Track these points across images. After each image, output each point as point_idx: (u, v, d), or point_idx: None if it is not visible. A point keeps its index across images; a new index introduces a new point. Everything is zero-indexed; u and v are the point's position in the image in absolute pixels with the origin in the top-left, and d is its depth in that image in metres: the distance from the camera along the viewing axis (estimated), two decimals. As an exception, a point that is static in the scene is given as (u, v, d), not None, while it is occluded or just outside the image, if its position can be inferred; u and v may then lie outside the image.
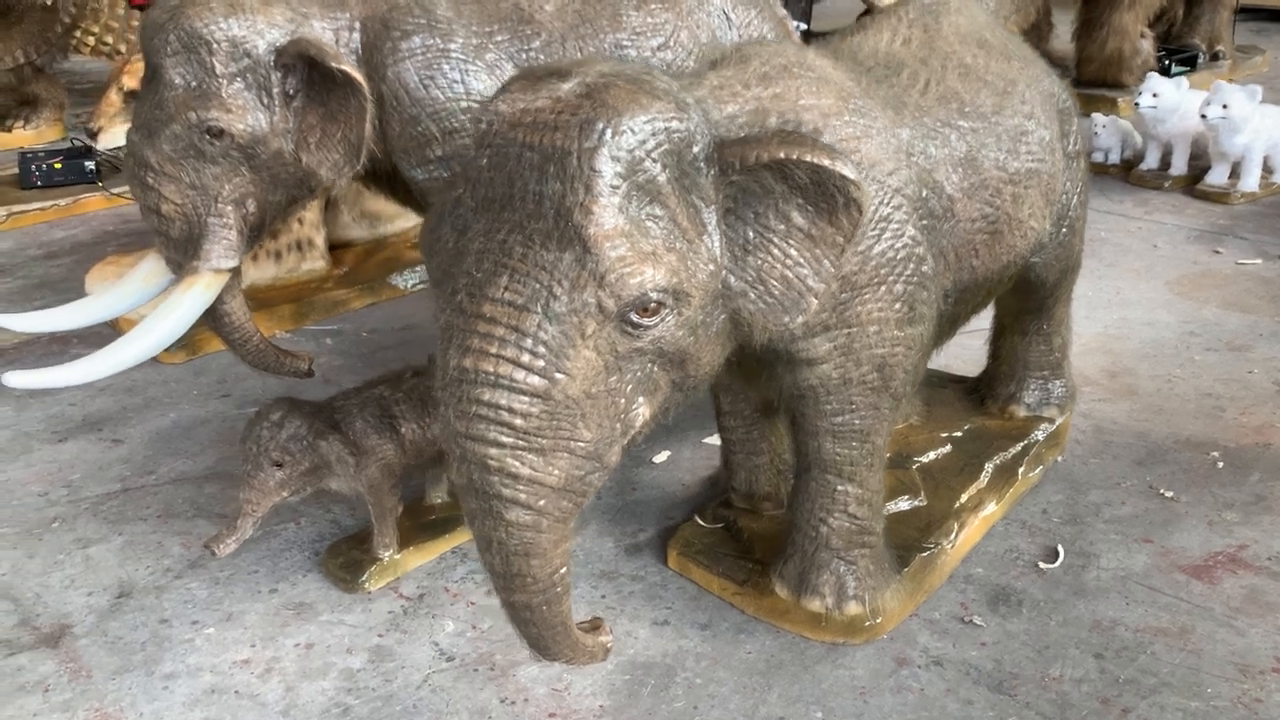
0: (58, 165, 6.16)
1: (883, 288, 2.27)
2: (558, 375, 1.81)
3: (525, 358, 1.79)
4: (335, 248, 5.01)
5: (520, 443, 1.82)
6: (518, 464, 1.83)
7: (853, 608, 2.62)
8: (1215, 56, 8.37)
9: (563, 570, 1.98)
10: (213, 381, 4.15)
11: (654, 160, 1.84)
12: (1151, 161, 6.11)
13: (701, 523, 3.02)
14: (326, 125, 3.06)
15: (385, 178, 3.40)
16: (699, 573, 2.88)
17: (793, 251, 2.01)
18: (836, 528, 2.58)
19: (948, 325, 2.65)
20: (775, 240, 2.00)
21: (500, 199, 1.84)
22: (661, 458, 3.52)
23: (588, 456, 1.89)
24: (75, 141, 6.61)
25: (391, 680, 2.62)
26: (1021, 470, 3.21)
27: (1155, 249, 5.23)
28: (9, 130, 7.34)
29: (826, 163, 1.91)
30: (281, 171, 3.11)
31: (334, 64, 2.94)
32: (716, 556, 2.88)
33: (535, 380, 1.80)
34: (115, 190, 6.08)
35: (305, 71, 3.02)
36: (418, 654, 2.70)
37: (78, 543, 3.17)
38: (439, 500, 3.19)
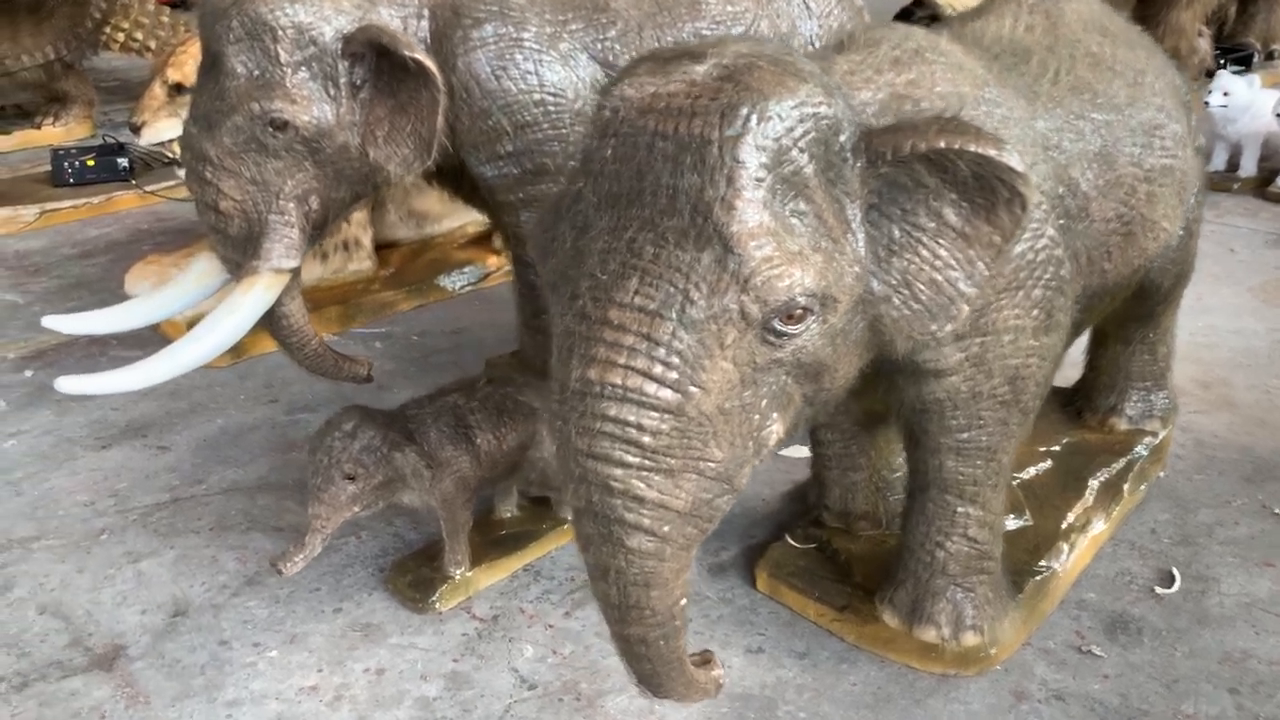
0: (90, 162, 6.02)
1: (1020, 293, 2.08)
2: (692, 389, 1.63)
3: (657, 369, 1.61)
4: (381, 248, 4.83)
5: (648, 463, 1.64)
6: (644, 486, 1.65)
7: (970, 638, 2.43)
8: (1270, 55, 8.16)
9: (682, 602, 1.81)
10: (259, 386, 3.98)
11: (801, 150, 1.65)
12: (1219, 162, 5.90)
13: (793, 543, 2.83)
14: (396, 118, 2.88)
15: (451, 174, 3.21)
16: (792, 596, 2.70)
17: (943, 252, 1.82)
18: (955, 552, 2.39)
19: (1070, 334, 2.46)
20: (924, 239, 1.81)
21: (628, 193, 1.66)
22: (738, 470, 3.33)
23: (717, 478, 1.71)
24: (107, 138, 6.47)
25: (471, 711, 2.44)
26: (1126, 487, 3.01)
27: (1233, 253, 5.02)
28: (38, 127, 7.22)
29: (993, 154, 1.72)
30: (347, 166, 2.93)
31: (407, 53, 2.76)
32: (812, 579, 2.70)
33: (667, 394, 1.62)
34: (149, 188, 5.94)
35: (374, 61, 2.84)
36: (497, 681, 2.52)
37: (128, 556, 3.00)
38: (509, 515, 3.01)
